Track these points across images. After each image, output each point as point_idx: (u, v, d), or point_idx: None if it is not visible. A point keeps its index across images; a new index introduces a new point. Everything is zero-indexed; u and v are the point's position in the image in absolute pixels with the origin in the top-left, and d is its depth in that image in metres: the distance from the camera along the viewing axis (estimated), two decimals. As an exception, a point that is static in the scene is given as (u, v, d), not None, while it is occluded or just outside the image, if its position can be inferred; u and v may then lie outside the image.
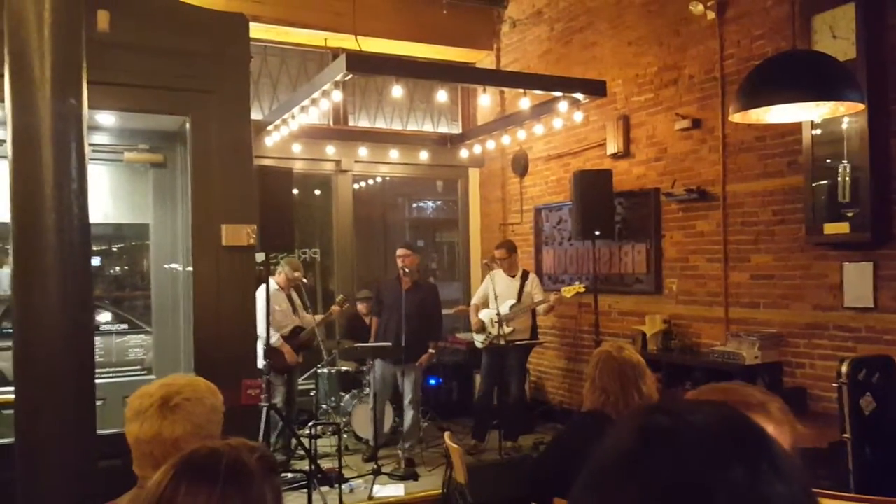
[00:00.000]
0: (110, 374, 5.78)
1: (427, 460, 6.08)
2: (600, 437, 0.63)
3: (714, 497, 0.55)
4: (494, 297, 6.18)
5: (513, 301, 6.42)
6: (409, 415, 6.14)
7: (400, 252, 6.27)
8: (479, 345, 6.65)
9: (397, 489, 5.48)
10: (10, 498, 2.80)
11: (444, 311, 8.47)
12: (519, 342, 6.42)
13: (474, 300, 6.84)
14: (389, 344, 5.98)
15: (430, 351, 6.28)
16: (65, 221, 2.66)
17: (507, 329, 6.19)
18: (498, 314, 6.11)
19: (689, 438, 0.59)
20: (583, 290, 6.33)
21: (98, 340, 5.65)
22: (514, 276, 6.57)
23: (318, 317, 6.50)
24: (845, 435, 3.80)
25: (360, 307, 7.23)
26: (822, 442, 3.96)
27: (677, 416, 0.62)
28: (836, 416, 3.98)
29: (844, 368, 3.81)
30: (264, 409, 5.35)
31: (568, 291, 6.33)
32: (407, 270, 6.12)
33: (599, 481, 0.61)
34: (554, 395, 7.61)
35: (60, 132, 2.64)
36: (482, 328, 6.56)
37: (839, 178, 4.53)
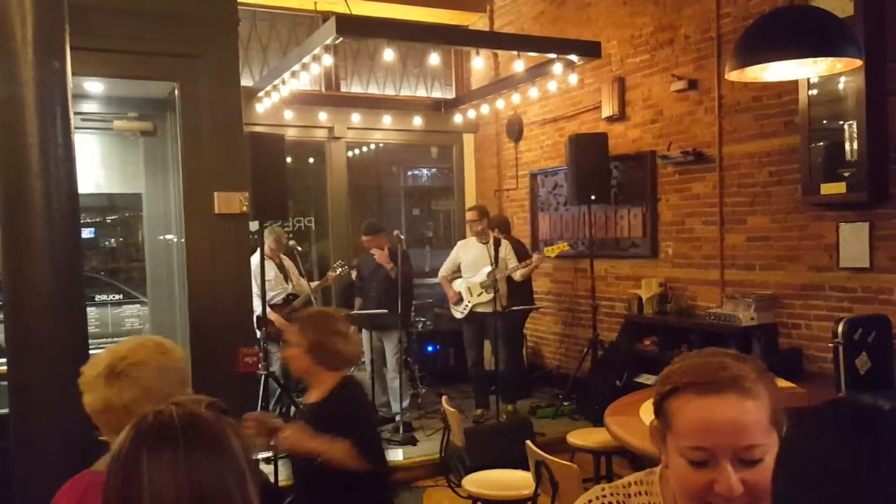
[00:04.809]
0: (108, 345, 5.78)
1: (425, 425, 6.12)
2: None
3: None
4: (473, 264, 6.18)
5: (489, 268, 6.11)
6: (392, 376, 6.20)
7: (363, 240, 6.36)
8: (458, 315, 6.47)
9: (396, 454, 5.53)
10: (5, 467, 2.80)
11: (434, 280, 8.45)
12: (515, 308, 6.41)
13: (442, 272, 6.60)
14: (385, 311, 5.98)
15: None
16: (52, 187, 2.62)
17: (487, 296, 6.11)
18: (491, 275, 6.05)
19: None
20: (566, 247, 6.26)
21: (94, 311, 5.63)
22: (485, 243, 6.20)
23: (314, 283, 6.49)
24: (841, 395, 3.82)
25: (354, 276, 7.22)
26: (818, 402, 3.97)
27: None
28: (831, 377, 3.99)
29: (840, 328, 3.80)
30: (262, 377, 5.38)
31: (551, 251, 6.27)
32: (375, 254, 6.28)
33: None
34: (551, 360, 7.64)
35: (44, 96, 2.59)
36: (459, 300, 6.39)
37: (844, 138, 4.48)
